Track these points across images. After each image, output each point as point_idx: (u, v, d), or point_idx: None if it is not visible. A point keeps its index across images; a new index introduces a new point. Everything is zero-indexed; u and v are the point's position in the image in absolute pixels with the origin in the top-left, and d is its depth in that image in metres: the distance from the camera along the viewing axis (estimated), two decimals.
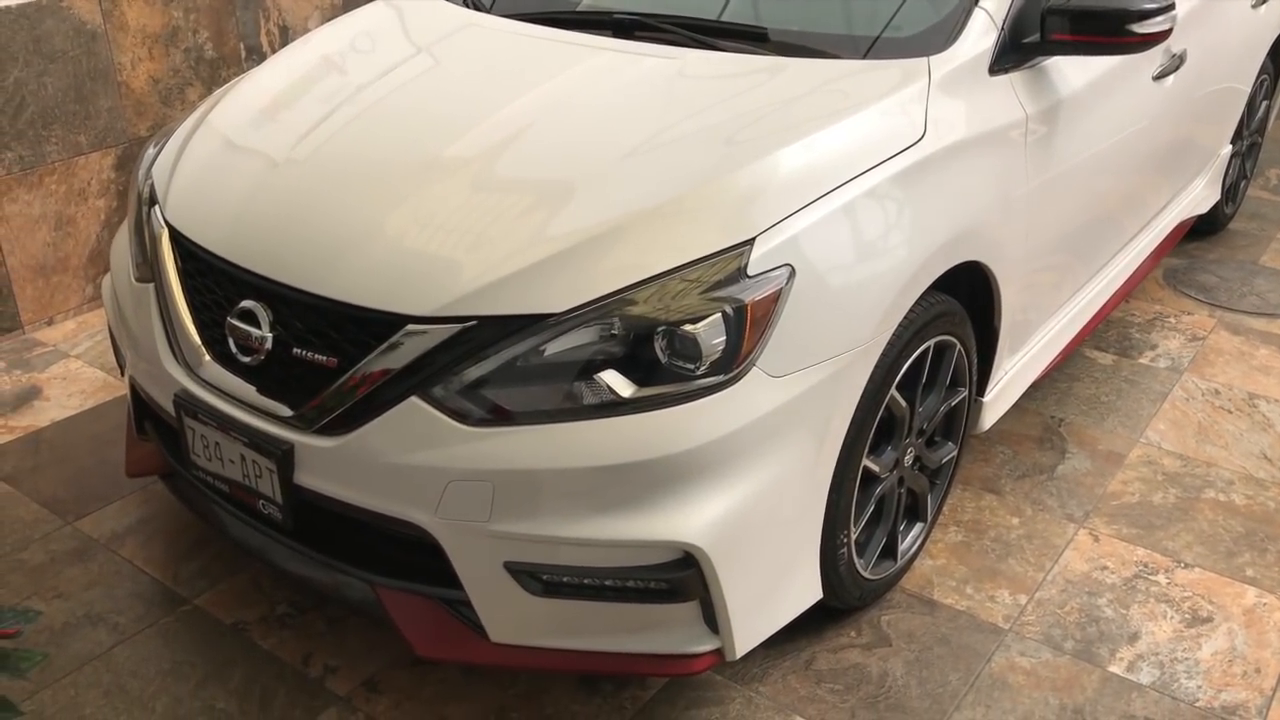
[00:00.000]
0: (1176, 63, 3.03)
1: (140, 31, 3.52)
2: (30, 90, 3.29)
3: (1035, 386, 3.03)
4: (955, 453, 2.50)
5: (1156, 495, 2.76)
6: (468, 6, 2.77)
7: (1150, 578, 2.48)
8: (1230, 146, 3.93)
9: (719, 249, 1.86)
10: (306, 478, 1.95)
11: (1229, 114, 3.77)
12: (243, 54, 3.84)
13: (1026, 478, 2.81)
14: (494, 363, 1.82)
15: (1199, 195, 3.75)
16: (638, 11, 2.51)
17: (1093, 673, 2.22)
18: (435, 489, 1.82)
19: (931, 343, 2.21)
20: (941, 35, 2.30)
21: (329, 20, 4.04)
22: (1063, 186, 2.54)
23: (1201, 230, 4.18)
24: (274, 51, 3.92)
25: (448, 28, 2.65)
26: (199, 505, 2.26)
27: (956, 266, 2.21)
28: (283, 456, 1.94)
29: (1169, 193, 3.44)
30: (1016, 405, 3.01)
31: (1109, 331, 3.52)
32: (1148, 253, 3.39)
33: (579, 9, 2.68)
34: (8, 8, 3.18)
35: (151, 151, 2.52)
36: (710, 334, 1.81)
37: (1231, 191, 4.22)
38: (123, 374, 2.44)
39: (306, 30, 4.00)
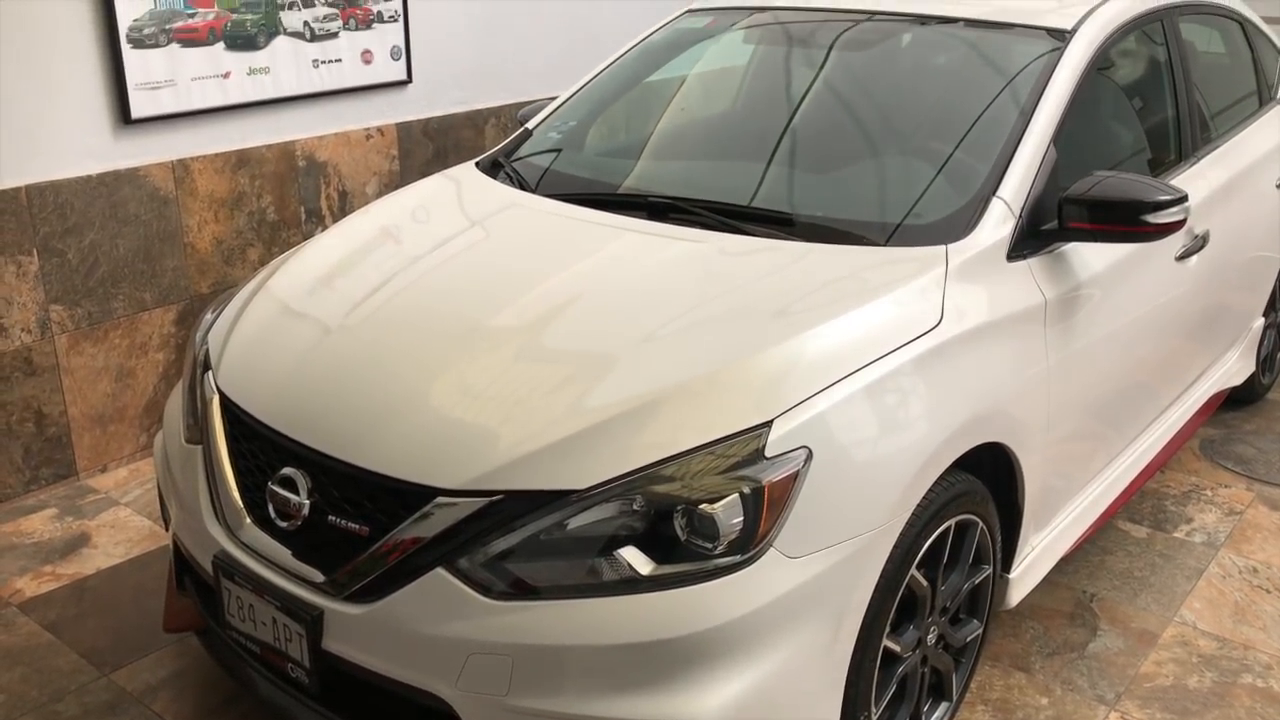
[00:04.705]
0: (1199, 243, 3.10)
1: (209, 197, 3.74)
2: (103, 251, 3.50)
3: (1066, 559, 3.01)
4: (981, 630, 2.49)
5: (1191, 678, 2.71)
6: (514, 186, 2.93)
7: None
8: (1263, 319, 3.96)
9: (738, 430, 1.92)
10: (334, 643, 2.00)
11: (1259, 289, 3.82)
12: (303, 217, 4.06)
13: (1056, 655, 2.78)
14: (518, 536, 1.88)
15: (1232, 368, 3.77)
16: (670, 195, 2.65)
17: None
18: (457, 661, 1.86)
19: (952, 522, 2.24)
20: (960, 224, 2.40)
21: (387, 186, 4.28)
22: (1085, 368, 2.59)
23: (1239, 400, 4.17)
24: (333, 215, 4.15)
25: (496, 205, 2.80)
26: (230, 663, 2.31)
27: (978, 446, 2.25)
28: (313, 621, 2.00)
29: (1199, 367, 3.46)
30: (1047, 578, 2.99)
31: (1143, 503, 3.51)
32: (1179, 425, 3.40)
33: (616, 192, 2.82)
34: (89, 176, 3.42)
35: (209, 317, 2.67)
36: (728, 514, 1.86)
37: (1268, 362, 4.23)
38: (167, 529, 2.53)
39: (365, 194, 4.22)
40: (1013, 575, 2.57)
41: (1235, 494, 3.58)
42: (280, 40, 3.81)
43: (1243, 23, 3.86)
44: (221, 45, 3.64)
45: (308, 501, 2.06)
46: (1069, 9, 2.91)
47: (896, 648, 2.19)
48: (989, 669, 2.72)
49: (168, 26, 3.48)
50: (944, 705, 2.43)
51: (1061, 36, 2.79)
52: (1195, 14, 3.49)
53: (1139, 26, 3.07)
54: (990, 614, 2.53)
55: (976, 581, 2.42)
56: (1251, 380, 4.06)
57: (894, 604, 2.11)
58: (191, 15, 3.54)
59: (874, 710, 2.15)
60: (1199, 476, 3.69)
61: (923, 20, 3.01)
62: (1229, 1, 3.78)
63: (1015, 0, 3.06)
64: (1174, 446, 3.40)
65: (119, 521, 3.37)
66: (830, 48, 3.04)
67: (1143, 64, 3.25)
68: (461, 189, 2.98)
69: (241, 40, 3.69)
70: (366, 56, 4.10)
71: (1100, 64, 2.86)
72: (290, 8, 3.81)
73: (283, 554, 2.09)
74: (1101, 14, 2.89)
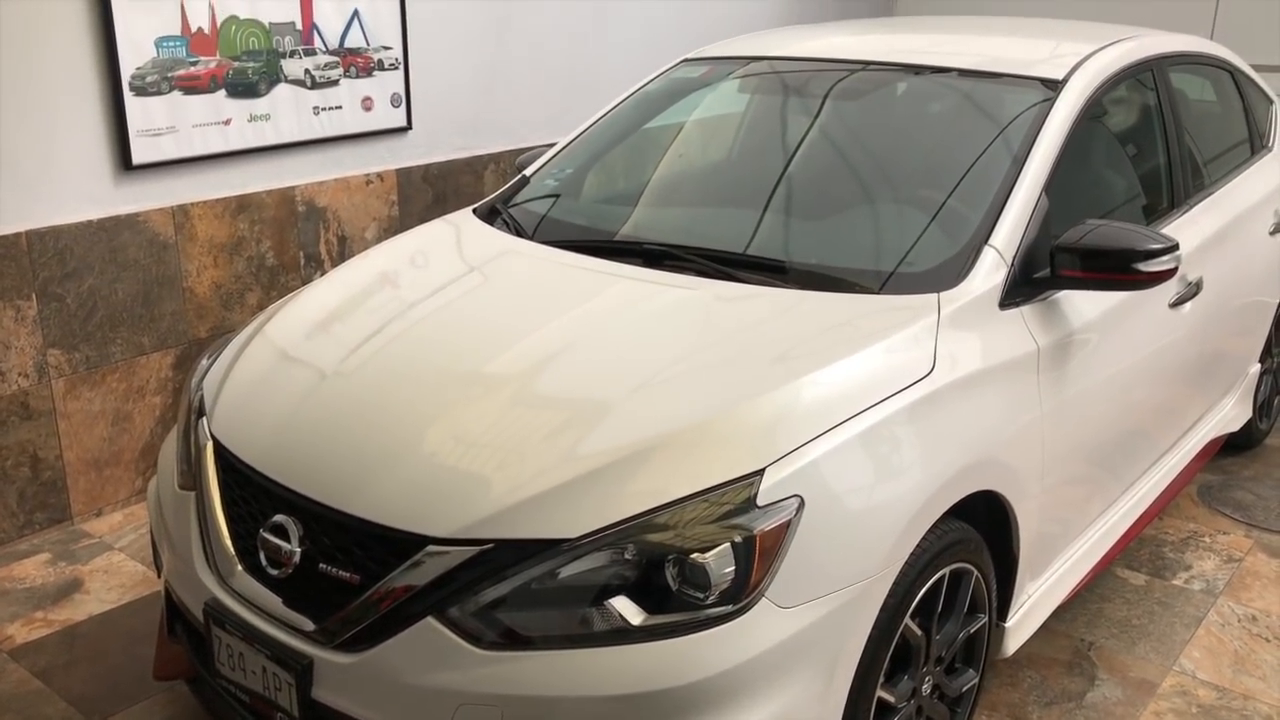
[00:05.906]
0: (1193, 290, 3.11)
1: (208, 242, 3.77)
2: (102, 296, 3.52)
3: (1064, 607, 2.99)
4: (977, 680, 2.47)
5: None
6: (511, 232, 2.94)
7: None
8: (1259, 365, 3.97)
9: (730, 478, 1.92)
10: (324, 693, 1.98)
11: (1254, 335, 3.83)
12: (302, 262, 4.08)
13: (1054, 705, 2.75)
14: (509, 585, 1.87)
15: (1228, 414, 3.77)
16: (666, 243, 2.67)
17: None
18: (446, 711, 1.85)
19: (946, 570, 2.23)
20: (952, 272, 2.41)
21: (386, 231, 4.30)
22: (1079, 415, 2.59)
23: (1237, 446, 4.17)
24: (332, 260, 4.17)
25: (493, 252, 2.82)
26: (220, 712, 2.29)
27: (972, 494, 2.25)
28: (302, 671, 1.98)
29: (1195, 413, 3.46)
30: (1045, 626, 2.97)
31: (1141, 550, 3.49)
32: (1176, 472, 3.39)
33: (612, 239, 2.84)
34: (89, 222, 3.44)
35: (205, 363, 2.67)
36: (720, 563, 1.85)
37: (1265, 408, 4.23)
38: (160, 575, 2.52)
39: (364, 239, 4.25)
40: (1009, 624, 2.55)
41: (1234, 540, 3.56)
42: (281, 88, 3.85)
43: (1233, 72, 3.90)
44: (223, 92, 3.68)
45: (299, 549, 2.05)
46: (1061, 59, 2.94)
47: (891, 698, 2.17)
48: (986, 719, 2.69)
49: (170, 74, 3.52)
50: None
51: (1053, 86, 2.82)
52: (1186, 63, 3.53)
53: (1130, 76, 3.10)
54: (986, 663, 2.51)
55: (972, 630, 2.41)
56: (1249, 426, 4.06)
57: (888, 654, 2.10)
58: (194, 63, 3.58)
59: None
60: (1197, 523, 3.68)
61: (916, 70, 3.05)
62: (1219, 51, 3.83)
63: (1007, 50, 3.10)
64: (1171, 493, 3.39)
65: (112, 566, 3.35)
66: (825, 97, 3.07)
67: (1134, 112, 3.28)
68: (459, 235, 3.00)
69: (243, 87, 3.73)
70: (367, 103, 4.14)
71: (1092, 113, 2.88)
72: (291, 56, 3.86)
73: (273, 602, 2.07)
74: (1093, 64, 2.93)
